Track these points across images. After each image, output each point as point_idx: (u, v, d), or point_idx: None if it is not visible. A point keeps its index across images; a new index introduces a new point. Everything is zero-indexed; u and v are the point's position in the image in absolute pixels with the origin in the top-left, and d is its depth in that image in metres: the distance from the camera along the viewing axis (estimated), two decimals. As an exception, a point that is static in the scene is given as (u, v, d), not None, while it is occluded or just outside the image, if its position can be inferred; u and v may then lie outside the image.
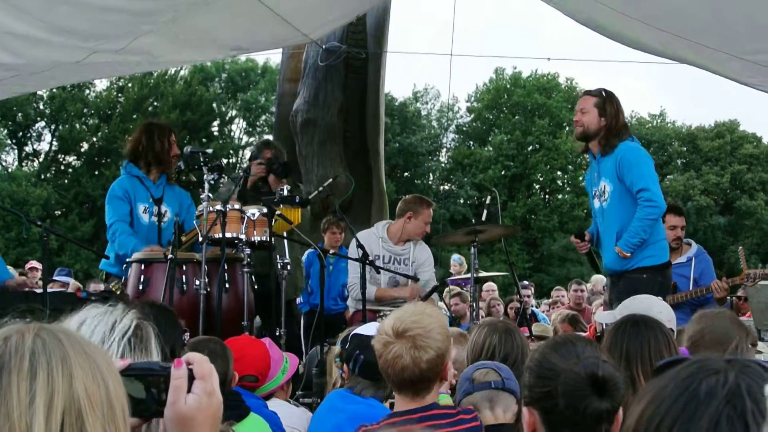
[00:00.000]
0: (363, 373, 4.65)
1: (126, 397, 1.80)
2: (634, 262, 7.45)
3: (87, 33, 7.96)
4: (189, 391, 2.11)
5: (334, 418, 4.65)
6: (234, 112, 57.12)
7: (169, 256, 6.90)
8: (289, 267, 8.13)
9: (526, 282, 17.09)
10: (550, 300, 16.68)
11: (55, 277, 13.54)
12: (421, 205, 8.92)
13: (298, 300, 10.92)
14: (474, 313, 8.98)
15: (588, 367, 2.83)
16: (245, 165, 8.55)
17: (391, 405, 4.30)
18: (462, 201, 52.87)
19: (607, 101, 7.63)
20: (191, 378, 2.12)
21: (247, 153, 48.91)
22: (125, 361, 2.15)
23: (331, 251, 9.22)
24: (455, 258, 17.22)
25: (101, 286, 8.00)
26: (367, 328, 4.86)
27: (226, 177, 7.57)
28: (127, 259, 7.43)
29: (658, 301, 5.55)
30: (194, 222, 7.44)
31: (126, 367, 2.11)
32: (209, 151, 7.53)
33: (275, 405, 5.18)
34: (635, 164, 7.44)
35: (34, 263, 15.38)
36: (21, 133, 50.73)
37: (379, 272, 8.15)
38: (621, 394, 2.85)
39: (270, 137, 13.64)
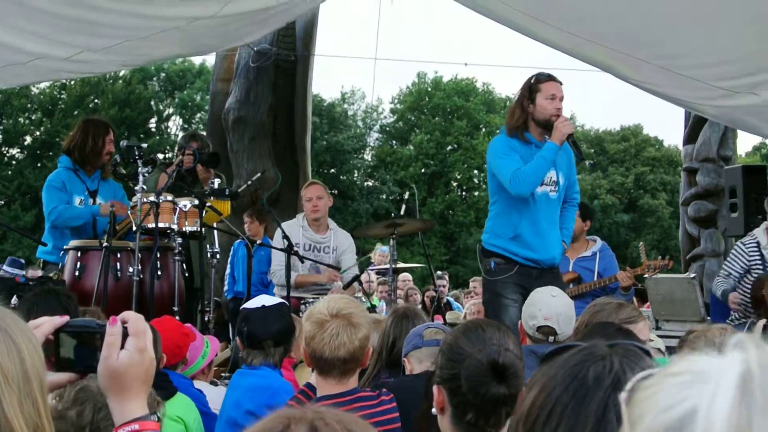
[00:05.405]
0: (249, 343, 4.76)
1: (44, 368, 1.80)
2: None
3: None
4: (122, 348, 2.09)
5: (233, 395, 4.74)
6: (171, 110, 56.65)
7: (104, 244, 6.90)
8: (218, 256, 8.11)
9: (440, 272, 17.16)
10: (467, 290, 16.76)
11: (4, 267, 13.19)
12: (304, 189, 8.91)
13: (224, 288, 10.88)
14: (391, 302, 8.98)
15: (490, 354, 2.87)
16: (176, 158, 8.45)
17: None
18: (384, 196, 52.87)
19: None
20: (126, 336, 2.10)
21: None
22: (64, 317, 2.15)
23: (258, 241, 9.16)
24: (383, 249, 17.15)
25: (39, 272, 7.87)
26: (253, 302, 4.97)
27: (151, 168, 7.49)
28: (64, 247, 7.36)
29: (542, 298, 5.20)
30: (128, 212, 7.39)
31: (64, 324, 2.13)
32: (144, 145, 7.48)
33: (197, 387, 5.14)
34: (574, 165, 7.16)
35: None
36: (-34, 127, 49.92)
37: (303, 261, 8.11)
38: (520, 381, 2.89)
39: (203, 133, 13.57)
